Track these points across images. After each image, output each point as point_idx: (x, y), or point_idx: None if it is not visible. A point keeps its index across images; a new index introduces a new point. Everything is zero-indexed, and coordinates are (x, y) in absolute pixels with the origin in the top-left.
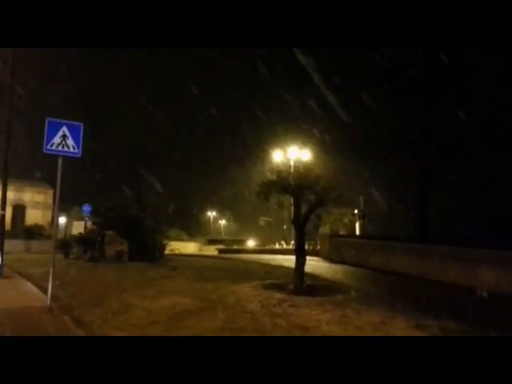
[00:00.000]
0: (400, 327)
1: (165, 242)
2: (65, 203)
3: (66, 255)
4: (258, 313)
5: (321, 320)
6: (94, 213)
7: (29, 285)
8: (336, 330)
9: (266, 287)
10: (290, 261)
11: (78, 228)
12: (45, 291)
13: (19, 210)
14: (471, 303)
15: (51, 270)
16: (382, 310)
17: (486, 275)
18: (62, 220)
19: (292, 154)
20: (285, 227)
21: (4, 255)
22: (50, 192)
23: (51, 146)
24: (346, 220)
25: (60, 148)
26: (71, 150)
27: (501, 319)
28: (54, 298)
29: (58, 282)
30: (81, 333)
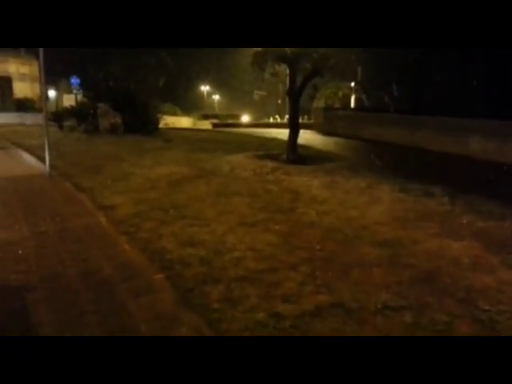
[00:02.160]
0: (385, 190)
1: (158, 115)
2: (52, 76)
3: (61, 127)
4: (251, 179)
5: (311, 185)
6: (83, 85)
7: (26, 155)
8: (325, 194)
9: (260, 157)
10: (283, 134)
11: (69, 101)
12: (43, 161)
13: (5, 82)
14: (458, 170)
15: (46, 141)
16: (370, 177)
17: (475, 144)
18: (52, 93)
19: None
20: (279, 101)
21: None
22: (35, 63)
23: None
24: (341, 93)
25: None
26: None
27: (484, 184)
28: (53, 167)
29: (55, 153)
30: (83, 197)
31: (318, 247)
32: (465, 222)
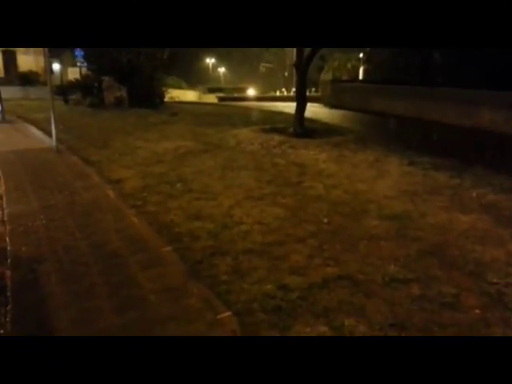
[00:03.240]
0: (393, 164)
1: (164, 88)
2: (56, 48)
3: (66, 101)
4: (257, 153)
5: (318, 159)
6: (88, 58)
7: (33, 129)
8: (332, 168)
9: (266, 131)
10: (290, 107)
11: (74, 74)
12: (49, 134)
13: (9, 55)
14: (467, 142)
15: (52, 115)
16: (378, 150)
17: (485, 115)
18: (56, 66)
19: None
20: (286, 74)
21: (3, 102)
22: None
23: None
24: (349, 65)
25: None
26: None
27: (492, 156)
28: (60, 141)
29: (61, 126)
30: (91, 170)
31: (325, 221)
32: (474, 195)
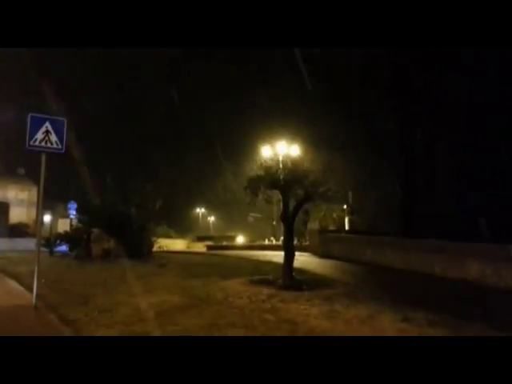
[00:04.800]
0: (387, 320)
1: (153, 239)
2: (49, 200)
3: (51, 253)
4: (246, 308)
5: (309, 314)
6: (80, 210)
7: (13, 283)
8: (324, 325)
9: (255, 283)
10: (279, 256)
11: (64, 226)
12: (30, 289)
13: (3, 208)
14: (459, 296)
15: (36, 269)
16: (370, 304)
17: (472, 267)
18: (47, 218)
19: (281, 150)
20: (274, 223)
21: None
22: (34, 189)
23: (34, 141)
24: (334, 215)
25: (43, 144)
26: (54, 145)
27: (487, 311)
28: (40, 296)
29: (43, 281)
30: (67, 331)
31: None
32: None
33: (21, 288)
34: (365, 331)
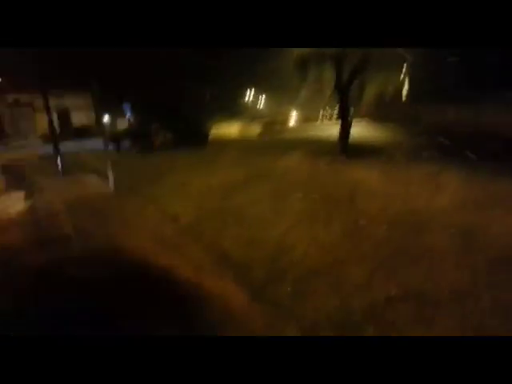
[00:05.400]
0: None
1: (208, 126)
2: (106, 102)
3: (118, 150)
4: (310, 174)
5: (370, 177)
6: (135, 108)
7: (93, 178)
8: (383, 186)
9: (315, 153)
10: (336, 128)
11: (123, 124)
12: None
13: (64, 114)
14: None
15: (109, 164)
16: (430, 166)
17: None
18: (106, 118)
19: None
20: (329, 94)
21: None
22: (89, 95)
23: None
24: (390, 88)
25: None
26: None
27: None
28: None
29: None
30: (150, 207)
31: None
32: None
33: (101, 181)
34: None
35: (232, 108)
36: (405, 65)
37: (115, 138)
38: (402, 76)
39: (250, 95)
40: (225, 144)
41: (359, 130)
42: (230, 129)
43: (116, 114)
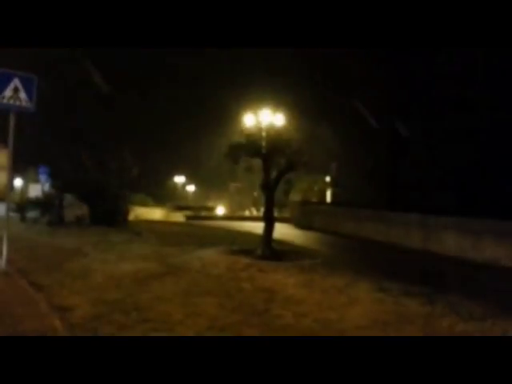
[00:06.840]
0: (363, 290)
1: (129, 206)
2: (21, 164)
3: (23, 219)
4: (223, 276)
5: (287, 284)
6: (52, 175)
7: None
8: (301, 293)
9: (233, 252)
10: (258, 228)
11: (35, 191)
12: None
13: None
14: (434, 268)
15: (5, 234)
16: (348, 274)
17: (451, 241)
18: (18, 182)
19: (264, 118)
20: (255, 194)
21: None
22: (4, 152)
23: (2, 99)
24: (316, 188)
25: (11, 102)
26: (23, 103)
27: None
28: (10, 261)
29: (14, 246)
30: (39, 297)
31: None
32: (446, 324)
33: None
34: (341, 300)
35: (158, 191)
36: (333, 169)
37: (21, 205)
38: (328, 182)
39: (178, 182)
40: (144, 228)
41: (283, 232)
42: (152, 212)
43: (31, 177)
